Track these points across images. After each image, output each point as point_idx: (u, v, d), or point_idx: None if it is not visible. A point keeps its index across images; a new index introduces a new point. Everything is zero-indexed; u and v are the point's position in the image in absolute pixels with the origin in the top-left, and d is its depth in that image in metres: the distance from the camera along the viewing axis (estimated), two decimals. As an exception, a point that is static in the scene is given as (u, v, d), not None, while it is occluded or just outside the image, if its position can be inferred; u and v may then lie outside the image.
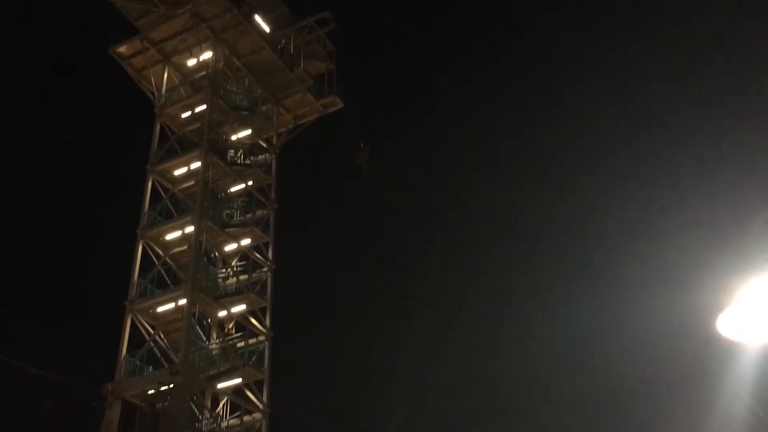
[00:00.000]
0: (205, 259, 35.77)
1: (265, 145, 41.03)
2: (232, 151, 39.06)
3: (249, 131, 40.09)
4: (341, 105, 42.58)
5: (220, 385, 33.82)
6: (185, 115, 38.57)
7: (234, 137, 39.61)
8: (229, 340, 35.91)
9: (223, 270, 37.60)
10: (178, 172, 37.21)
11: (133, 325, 33.31)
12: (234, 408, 35.22)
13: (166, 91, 39.11)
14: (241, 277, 36.95)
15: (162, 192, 36.90)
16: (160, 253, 34.94)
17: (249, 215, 38.12)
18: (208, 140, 36.50)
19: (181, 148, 37.32)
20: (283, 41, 41.52)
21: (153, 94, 39.08)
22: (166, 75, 39.42)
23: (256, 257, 37.71)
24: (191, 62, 39.47)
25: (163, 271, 34.36)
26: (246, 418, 34.59)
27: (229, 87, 39.74)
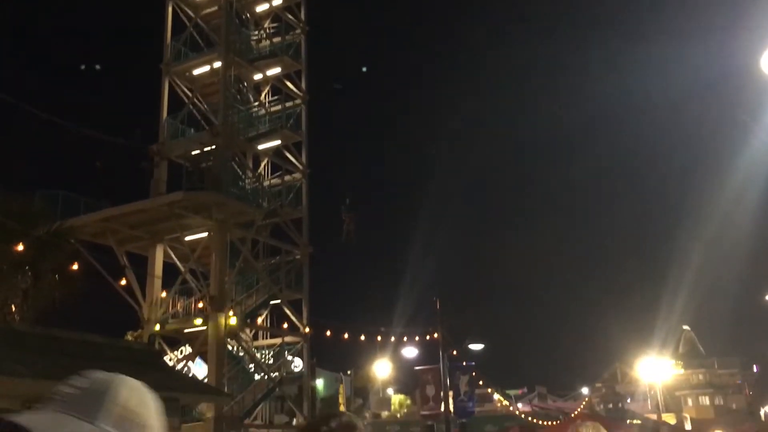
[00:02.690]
0: (237, 21, 35.06)
1: None
2: None
3: None
4: None
5: (261, 147, 34.87)
6: None
7: None
8: (266, 103, 36.37)
9: (256, 32, 37.03)
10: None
11: (172, 90, 33.71)
12: (275, 168, 36.64)
13: None
14: (275, 40, 36.45)
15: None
16: (191, 14, 34.22)
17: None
18: None
19: None
20: None
21: None
22: None
23: (288, 18, 36.85)
24: None
25: (195, 33, 33.93)
26: (287, 177, 36.05)
27: None
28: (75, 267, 20.39)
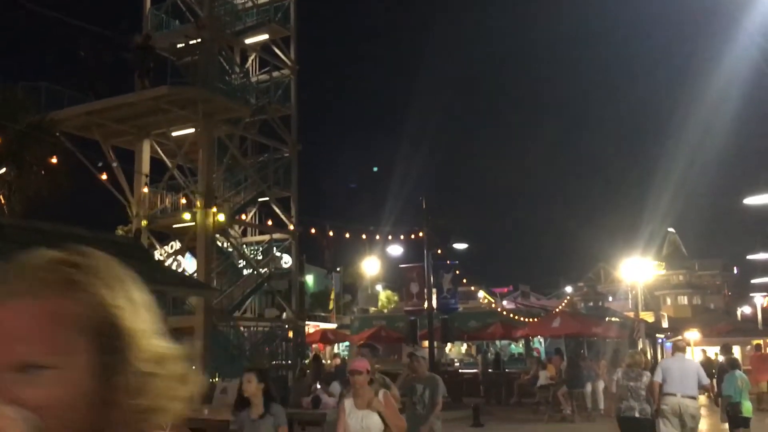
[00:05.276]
0: None
1: None
2: None
3: None
4: None
5: (248, 41, 34.05)
6: None
7: None
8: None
9: None
10: None
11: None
12: (263, 64, 35.92)
13: None
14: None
15: None
16: None
17: None
18: None
19: None
20: None
21: None
22: None
23: None
24: None
25: None
26: (275, 73, 35.41)
27: None
28: (57, 161, 20.30)
